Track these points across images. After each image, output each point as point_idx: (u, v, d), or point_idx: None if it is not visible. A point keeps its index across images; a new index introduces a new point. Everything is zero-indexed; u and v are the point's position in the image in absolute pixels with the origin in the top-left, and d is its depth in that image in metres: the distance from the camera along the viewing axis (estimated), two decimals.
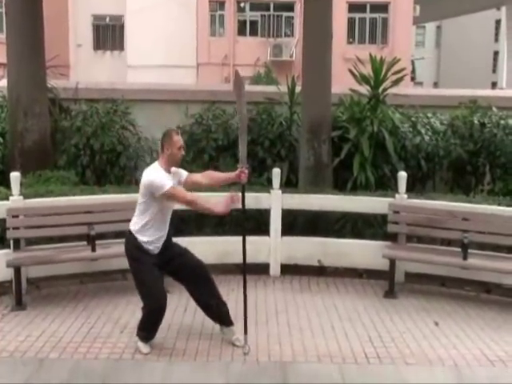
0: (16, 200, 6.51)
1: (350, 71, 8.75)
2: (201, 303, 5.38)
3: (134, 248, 5.09)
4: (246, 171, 5.26)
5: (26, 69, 8.71)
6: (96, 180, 8.87)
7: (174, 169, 5.13)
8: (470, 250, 6.44)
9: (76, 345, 5.30)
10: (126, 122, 9.28)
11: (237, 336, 5.32)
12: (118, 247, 6.57)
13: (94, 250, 6.41)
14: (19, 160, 8.55)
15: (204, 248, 6.26)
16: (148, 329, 5.21)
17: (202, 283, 5.27)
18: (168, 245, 5.22)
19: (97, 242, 6.45)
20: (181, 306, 6.07)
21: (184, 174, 5.26)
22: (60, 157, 8.97)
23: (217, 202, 5.09)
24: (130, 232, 5.13)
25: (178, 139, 5.07)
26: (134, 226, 5.10)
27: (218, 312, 5.36)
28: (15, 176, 6.53)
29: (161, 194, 4.90)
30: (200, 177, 5.36)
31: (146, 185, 4.97)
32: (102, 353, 5.15)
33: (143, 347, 5.17)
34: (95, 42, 30.22)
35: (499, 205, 6.99)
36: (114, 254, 6.57)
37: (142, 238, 5.05)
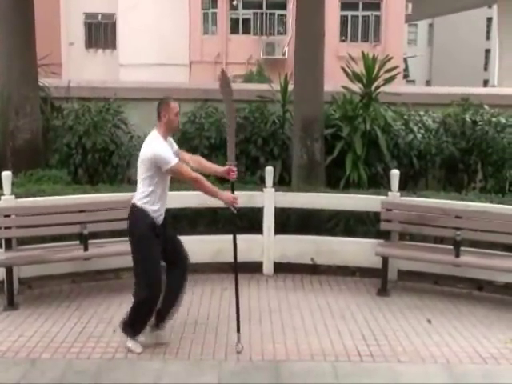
0: (7, 199, 6.47)
1: (343, 69, 8.76)
2: (165, 293, 5.27)
3: (142, 223, 5.01)
4: (235, 169, 5.28)
5: (18, 67, 8.67)
6: (88, 179, 8.84)
7: (169, 138, 5.13)
8: (462, 248, 6.46)
9: (69, 345, 5.28)
10: (119, 120, 9.26)
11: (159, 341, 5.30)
12: (111, 246, 6.61)
13: (86, 249, 6.38)
14: (11, 159, 8.51)
15: (197, 247, 6.24)
16: (137, 322, 5.14)
17: (179, 275, 5.27)
18: (165, 220, 5.20)
19: (89, 241, 6.42)
20: None
21: (176, 146, 5.27)
22: (52, 156, 8.94)
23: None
24: (135, 207, 5.05)
25: (175, 106, 5.06)
26: (141, 199, 5.02)
27: (168, 310, 5.30)
28: (7, 175, 6.50)
29: (167, 168, 4.89)
30: (189, 158, 5.36)
31: (150, 158, 4.91)
32: (94, 352, 5.14)
33: (135, 347, 5.12)
34: (87, 41, 30.10)
35: (491, 202, 7.01)
36: (106, 254, 6.58)
37: (150, 207, 5.00)
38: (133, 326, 5.17)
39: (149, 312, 5.15)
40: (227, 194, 5.21)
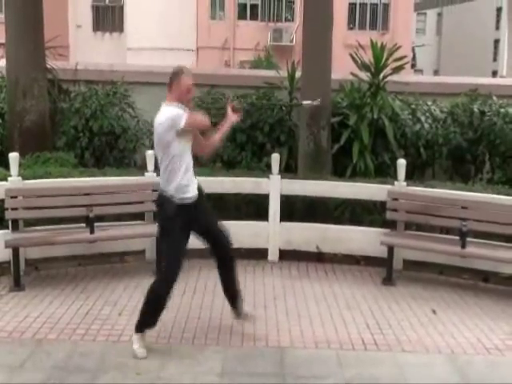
0: (15, 181, 6.49)
1: (352, 57, 8.70)
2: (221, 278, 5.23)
3: (171, 206, 4.79)
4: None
5: (26, 49, 8.63)
6: (95, 162, 8.83)
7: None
8: (468, 239, 6.45)
9: (74, 326, 5.31)
10: (126, 104, 9.24)
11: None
12: (117, 230, 6.64)
13: (92, 232, 6.39)
14: (18, 141, 8.50)
15: None
16: (150, 313, 4.89)
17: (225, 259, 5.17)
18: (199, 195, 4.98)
19: (95, 224, 6.43)
20: (179, 289, 6.03)
21: None
22: (59, 138, 8.93)
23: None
24: (163, 193, 4.86)
25: (187, 80, 4.77)
26: (165, 184, 4.82)
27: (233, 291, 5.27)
28: (14, 157, 6.51)
29: (183, 123, 4.59)
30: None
31: (167, 124, 4.63)
32: (100, 335, 5.16)
33: (140, 351, 4.81)
34: (95, 24, 29.97)
35: (498, 193, 6.98)
36: (112, 237, 6.60)
37: (181, 182, 4.78)
38: (144, 318, 4.92)
39: (162, 302, 4.88)
40: (230, 118, 5.11)
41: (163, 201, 4.88)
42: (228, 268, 5.18)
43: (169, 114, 4.67)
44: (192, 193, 4.89)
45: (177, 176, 4.78)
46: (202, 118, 4.83)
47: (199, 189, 5.00)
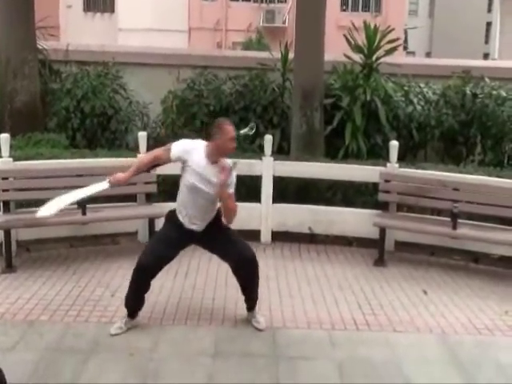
0: (6, 162, 6.45)
1: (345, 38, 8.67)
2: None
3: (171, 215, 4.93)
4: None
5: (16, 30, 8.56)
6: (86, 143, 8.80)
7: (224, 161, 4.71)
8: (459, 220, 6.48)
9: (66, 308, 5.30)
10: (117, 85, 9.19)
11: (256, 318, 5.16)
12: (109, 211, 6.62)
13: (84, 213, 6.37)
14: (9, 121, 8.46)
15: None
16: (130, 298, 4.94)
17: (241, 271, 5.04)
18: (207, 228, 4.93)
19: (87, 205, 6.41)
20: (171, 270, 6.05)
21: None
22: (50, 119, 8.88)
23: None
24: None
25: (231, 129, 4.72)
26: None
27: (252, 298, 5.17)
28: (5, 137, 6.46)
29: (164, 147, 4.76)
30: None
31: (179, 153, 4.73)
32: (92, 316, 5.16)
33: (114, 327, 4.90)
34: (85, 4, 29.67)
35: (489, 175, 7.02)
36: (104, 218, 6.59)
37: (176, 206, 4.88)
38: (127, 303, 4.98)
39: (139, 285, 4.88)
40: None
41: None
42: (239, 275, 5.07)
43: (187, 146, 4.74)
44: (189, 225, 4.87)
45: (180, 202, 4.86)
46: (141, 156, 4.88)
47: (211, 224, 4.93)
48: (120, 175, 4.89)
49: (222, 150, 4.69)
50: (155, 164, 5.09)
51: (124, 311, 5.01)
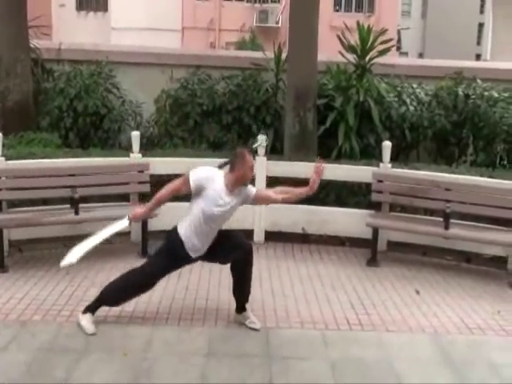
0: None
1: (339, 38, 8.68)
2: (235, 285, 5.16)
3: (177, 243, 4.83)
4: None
5: (8, 28, 8.54)
6: (79, 143, 8.78)
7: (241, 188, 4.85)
8: (451, 220, 6.51)
9: (59, 308, 5.29)
10: (110, 84, 9.17)
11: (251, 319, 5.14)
12: (102, 211, 6.60)
13: (77, 213, 6.36)
14: (1, 120, 8.42)
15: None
16: (122, 294, 4.98)
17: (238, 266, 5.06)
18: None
19: (80, 205, 6.39)
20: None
21: (252, 190, 4.96)
22: (43, 118, 8.85)
23: None
24: (175, 231, 4.87)
25: (251, 159, 4.82)
26: (181, 223, 4.87)
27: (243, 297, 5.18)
28: None
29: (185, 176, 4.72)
30: (272, 192, 5.12)
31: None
32: None
33: (88, 326, 4.87)
34: (78, 3, 29.56)
35: (481, 176, 7.06)
36: (97, 218, 6.54)
37: (183, 235, 4.80)
38: (114, 294, 5.00)
39: (132, 293, 5.00)
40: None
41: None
42: (236, 269, 5.07)
43: (208, 173, 4.73)
44: (195, 255, 4.90)
45: (192, 230, 4.80)
46: (167, 187, 4.78)
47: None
48: (139, 211, 4.94)
49: (242, 179, 4.79)
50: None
51: (117, 311, 5.02)
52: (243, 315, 5.13)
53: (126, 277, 5.00)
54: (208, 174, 4.76)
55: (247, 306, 5.17)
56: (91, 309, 4.97)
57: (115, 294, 5.00)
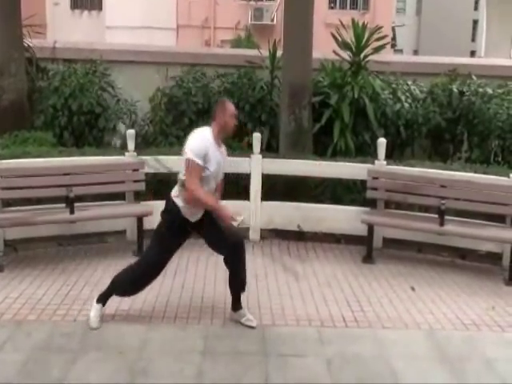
0: None
1: (333, 35, 8.69)
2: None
3: (174, 212, 4.86)
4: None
5: (2, 27, 8.53)
6: (74, 141, 8.75)
7: (222, 145, 4.92)
8: (446, 217, 6.52)
9: (55, 307, 5.28)
10: (105, 83, 9.15)
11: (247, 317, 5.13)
12: (97, 210, 6.59)
13: (72, 212, 6.34)
14: None
15: None
16: (128, 287, 5.04)
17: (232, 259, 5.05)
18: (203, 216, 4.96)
19: (75, 204, 6.38)
20: None
21: (224, 154, 4.99)
22: (37, 117, 8.83)
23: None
24: (170, 200, 4.89)
25: (231, 107, 4.89)
26: (175, 195, 4.88)
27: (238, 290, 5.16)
28: None
29: (186, 157, 4.67)
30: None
31: (185, 150, 4.73)
32: (80, 315, 5.14)
33: (94, 319, 4.95)
34: (72, 1, 29.44)
35: (476, 172, 7.07)
36: (92, 217, 6.56)
37: (181, 204, 4.81)
38: (124, 287, 5.05)
39: (141, 285, 5.03)
40: (227, 210, 4.82)
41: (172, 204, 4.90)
42: (231, 259, 5.05)
43: (190, 146, 4.71)
44: (192, 218, 4.90)
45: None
46: (194, 182, 4.69)
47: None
48: (226, 213, 4.82)
49: (224, 128, 4.86)
50: None
51: (113, 310, 5.02)
52: (239, 313, 5.13)
53: (132, 269, 5.01)
54: (201, 140, 4.74)
55: (243, 303, 5.16)
56: (103, 298, 5.01)
57: (125, 285, 5.03)
